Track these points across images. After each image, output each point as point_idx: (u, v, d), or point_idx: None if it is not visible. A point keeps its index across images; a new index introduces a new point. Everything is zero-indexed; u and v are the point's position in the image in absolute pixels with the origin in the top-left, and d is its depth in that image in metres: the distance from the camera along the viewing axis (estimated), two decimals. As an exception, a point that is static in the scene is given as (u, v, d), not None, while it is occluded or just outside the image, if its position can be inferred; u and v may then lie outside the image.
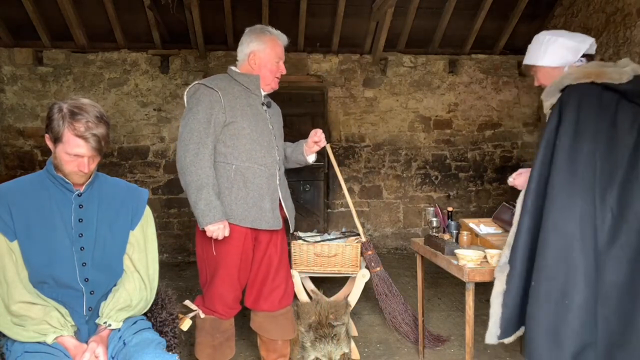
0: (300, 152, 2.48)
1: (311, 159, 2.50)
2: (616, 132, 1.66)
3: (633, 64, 1.76)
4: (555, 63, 1.88)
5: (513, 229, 1.85)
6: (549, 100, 1.83)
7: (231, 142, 2.22)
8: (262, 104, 2.34)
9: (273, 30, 2.36)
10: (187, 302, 2.40)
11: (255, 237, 2.33)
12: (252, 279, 2.39)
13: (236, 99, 2.24)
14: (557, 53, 1.88)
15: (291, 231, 2.39)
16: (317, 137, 2.43)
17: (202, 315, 2.34)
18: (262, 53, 2.30)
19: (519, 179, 2.07)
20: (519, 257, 1.78)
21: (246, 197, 2.23)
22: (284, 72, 2.39)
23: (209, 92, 2.19)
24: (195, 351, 2.41)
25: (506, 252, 1.87)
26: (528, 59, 1.98)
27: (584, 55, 1.87)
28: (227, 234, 2.18)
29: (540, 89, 1.95)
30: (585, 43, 1.88)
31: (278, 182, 2.34)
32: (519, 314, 1.80)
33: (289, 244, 2.65)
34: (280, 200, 2.36)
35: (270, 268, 2.38)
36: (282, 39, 2.37)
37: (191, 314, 2.30)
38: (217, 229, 2.15)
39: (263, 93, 2.36)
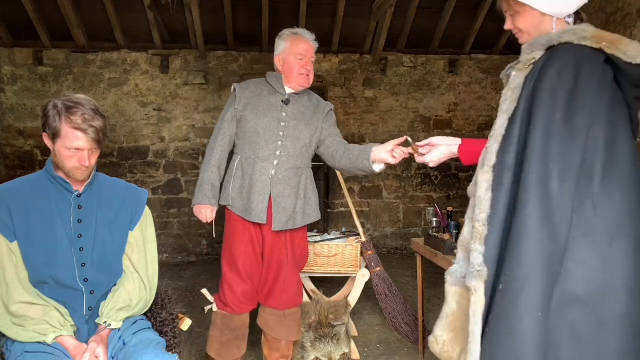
0: (366, 157, 2.17)
1: (378, 167, 2.19)
2: (612, 116, 1.26)
3: None
4: (548, 10, 1.39)
5: (482, 216, 1.35)
6: (530, 54, 1.41)
7: (241, 134, 2.39)
8: (282, 101, 2.39)
9: (297, 29, 2.44)
10: (205, 291, 2.53)
11: (261, 232, 2.39)
12: (264, 276, 2.43)
13: (255, 96, 2.39)
14: None
15: (272, 229, 2.34)
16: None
17: (215, 309, 2.44)
18: (284, 54, 2.40)
19: (430, 153, 1.72)
20: (497, 255, 1.28)
21: (241, 187, 2.36)
22: (309, 67, 2.37)
23: (232, 91, 2.47)
24: (207, 345, 2.49)
25: (478, 247, 1.30)
26: None
27: (575, 13, 1.42)
28: (209, 219, 2.38)
29: None
30: None
31: (270, 177, 2.32)
32: None
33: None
34: (270, 195, 2.33)
35: (281, 268, 2.40)
36: (306, 35, 2.41)
37: (208, 307, 2.47)
38: (200, 212, 2.37)
39: (288, 91, 2.41)
